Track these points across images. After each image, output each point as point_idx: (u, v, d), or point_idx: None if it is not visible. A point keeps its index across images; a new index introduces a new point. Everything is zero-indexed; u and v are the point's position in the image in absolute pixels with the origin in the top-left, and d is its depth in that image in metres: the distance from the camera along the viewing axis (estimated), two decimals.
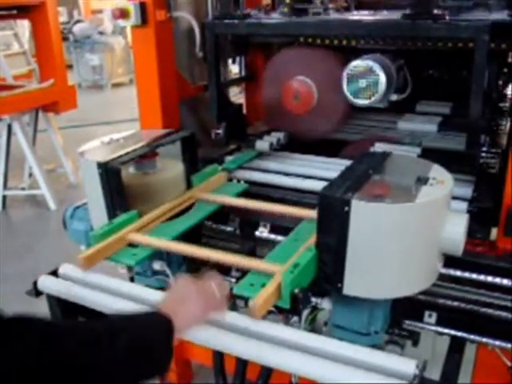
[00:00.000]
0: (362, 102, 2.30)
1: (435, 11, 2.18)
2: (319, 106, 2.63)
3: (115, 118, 9.82)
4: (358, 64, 2.26)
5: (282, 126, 2.88)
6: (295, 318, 1.94)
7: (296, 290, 1.53)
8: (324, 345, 1.48)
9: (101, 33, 13.16)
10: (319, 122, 2.67)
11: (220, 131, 2.71)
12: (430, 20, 2.14)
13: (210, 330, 1.56)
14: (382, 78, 2.23)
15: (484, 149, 2.41)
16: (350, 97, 2.31)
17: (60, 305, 1.88)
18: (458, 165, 2.37)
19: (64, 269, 1.91)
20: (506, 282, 1.93)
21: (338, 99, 2.46)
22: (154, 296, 1.73)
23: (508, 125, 2.87)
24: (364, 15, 2.59)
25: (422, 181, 1.68)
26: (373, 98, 2.27)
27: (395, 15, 2.30)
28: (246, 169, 2.63)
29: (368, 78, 2.25)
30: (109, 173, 1.96)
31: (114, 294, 1.76)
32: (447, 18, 2.15)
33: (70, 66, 12.84)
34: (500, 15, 2.27)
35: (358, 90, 2.28)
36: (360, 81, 2.26)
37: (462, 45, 2.29)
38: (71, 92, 6.39)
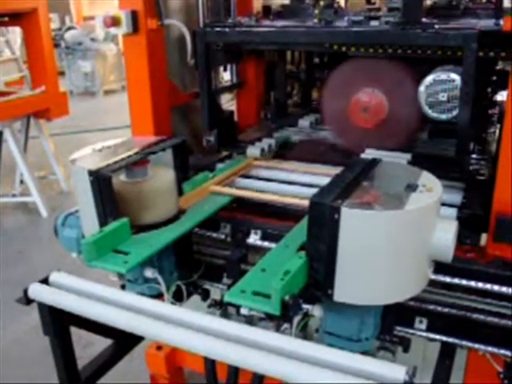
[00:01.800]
0: (442, 116, 2.26)
1: (424, 20, 2.20)
2: (390, 118, 2.52)
3: (107, 124, 9.82)
4: (439, 77, 2.22)
5: (347, 140, 2.75)
6: (286, 325, 1.94)
7: (286, 297, 1.54)
8: (315, 351, 1.48)
9: (93, 39, 13.16)
10: (389, 134, 2.57)
11: (211, 138, 2.72)
12: (418, 29, 2.17)
13: (202, 337, 1.56)
14: None
15: (474, 155, 2.43)
16: (429, 111, 2.28)
17: (51, 313, 1.87)
18: (448, 171, 2.40)
19: (55, 277, 1.90)
20: (495, 288, 1.94)
21: (409, 111, 2.41)
22: (146, 304, 1.73)
23: (497, 132, 2.89)
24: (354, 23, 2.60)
25: (412, 188, 1.70)
26: (454, 112, 2.23)
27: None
28: (237, 176, 2.63)
29: (451, 90, 2.21)
30: (100, 180, 1.96)
31: (106, 302, 1.75)
32: (436, 26, 2.17)
33: (61, 73, 12.84)
34: (488, 23, 2.29)
35: (439, 103, 2.24)
36: (441, 94, 2.23)
37: (451, 53, 2.30)
38: (63, 99, 6.39)
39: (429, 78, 2.22)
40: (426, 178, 1.81)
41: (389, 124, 2.52)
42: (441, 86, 2.21)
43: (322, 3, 2.53)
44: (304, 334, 2.16)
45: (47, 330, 1.91)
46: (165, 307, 1.69)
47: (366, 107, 2.50)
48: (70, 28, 14.11)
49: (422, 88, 2.24)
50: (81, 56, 13.32)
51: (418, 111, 2.30)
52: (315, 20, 2.53)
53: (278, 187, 2.50)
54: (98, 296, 1.77)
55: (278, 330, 1.91)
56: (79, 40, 13.27)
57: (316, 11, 2.53)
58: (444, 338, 2.08)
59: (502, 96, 3.20)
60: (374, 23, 2.42)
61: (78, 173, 2.04)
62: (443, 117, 2.26)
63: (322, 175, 2.44)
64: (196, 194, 2.34)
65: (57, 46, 13.19)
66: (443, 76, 2.20)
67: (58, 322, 1.90)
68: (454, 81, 2.19)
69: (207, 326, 1.59)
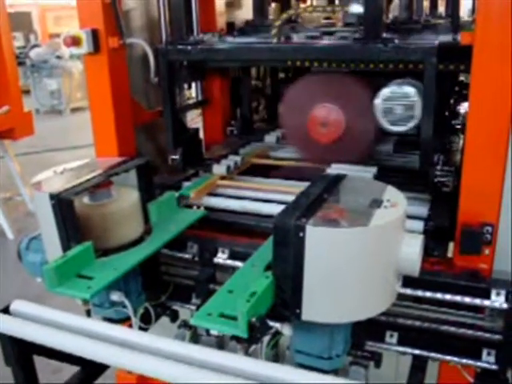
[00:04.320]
0: (398, 128, 2.28)
1: (384, 35, 2.22)
2: (348, 132, 2.53)
3: (75, 143, 9.70)
4: (394, 90, 2.24)
5: (307, 155, 2.77)
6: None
7: (253, 319, 1.52)
8: (283, 373, 1.46)
9: (58, 57, 13.04)
10: (348, 148, 2.58)
11: (176, 157, 2.70)
12: (380, 43, 2.18)
13: (169, 365, 1.52)
14: (419, 103, 2.22)
15: (438, 167, 2.45)
16: (386, 123, 2.29)
17: (12, 343, 1.81)
18: (414, 183, 2.41)
19: (16, 305, 1.84)
20: (464, 299, 1.95)
21: (367, 125, 2.43)
22: (111, 331, 1.69)
23: (461, 142, 2.93)
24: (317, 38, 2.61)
25: (376, 203, 1.70)
26: (410, 124, 2.25)
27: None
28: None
29: (405, 103, 2.23)
30: (62, 204, 1.92)
31: (70, 330, 1.70)
32: (396, 41, 2.19)
33: (27, 92, 12.69)
34: (447, 37, 2.33)
35: (394, 116, 2.26)
36: (396, 107, 2.25)
37: (412, 66, 2.32)
38: (27, 118, 6.29)
39: (384, 91, 2.24)
40: (391, 193, 1.82)
41: (348, 138, 2.54)
42: (396, 99, 2.24)
43: (277, 23, 2.54)
44: (276, 351, 2.15)
45: (9, 360, 1.85)
46: (130, 334, 1.66)
47: (325, 122, 2.52)
48: (34, 46, 13.97)
49: (377, 101, 2.25)
50: (47, 74, 13.17)
51: (375, 124, 2.31)
52: (273, 39, 2.53)
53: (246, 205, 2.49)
54: (61, 324, 1.72)
55: (247, 350, 1.89)
56: (45, 58, 13.13)
57: (273, 31, 2.54)
58: (415, 351, 2.08)
59: (464, 107, 3.26)
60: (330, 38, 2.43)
61: (38, 196, 1.99)
62: (399, 129, 2.29)
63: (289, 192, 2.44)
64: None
65: (22, 64, 13.06)
66: (397, 89, 2.23)
67: (21, 352, 1.84)
68: (407, 93, 2.22)
69: (174, 351, 1.55)
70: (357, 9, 2.47)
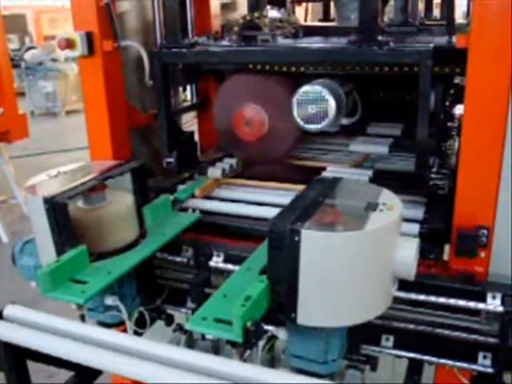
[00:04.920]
0: (312, 127, 2.31)
1: (380, 37, 2.22)
2: (271, 132, 2.62)
3: (70, 145, 9.68)
4: (307, 90, 2.27)
5: (235, 152, 2.86)
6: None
7: (248, 324, 1.51)
8: (278, 379, 1.45)
9: (54, 59, 13.01)
10: (271, 147, 2.65)
11: (171, 160, 2.69)
12: (375, 46, 2.18)
13: (164, 370, 1.51)
14: (332, 102, 2.25)
15: (434, 170, 2.45)
16: (301, 122, 2.32)
17: (6, 348, 1.79)
18: (409, 186, 2.41)
19: (10, 310, 1.83)
20: (459, 302, 1.94)
21: (288, 125, 2.46)
22: (105, 336, 1.67)
23: (457, 145, 2.92)
24: (312, 42, 2.61)
25: (372, 207, 1.69)
26: (323, 123, 2.29)
27: (343, 41, 2.33)
28: (199, 197, 2.59)
29: (317, 103, 2.26)
30: (56, 208, 1.91)
31: (64, 335, 1.69)
32: (391, 44, 2.19)
33: (22, 94, 12.66)
34: (442, 40, 2.33)
35: (308, 115, 2.29)
36: (310, 106, 2.28)
37: (407, 69, 2.32)
38: (22, 121, 6.27)
39: (299, 91, 2.27)
40: (387, 196, 1.81)
41: (271, 136, 2.62)
42: (309, 99, 2.27)
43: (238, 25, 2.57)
44: (271, 355, 2.14)
45: (2, 365, 1.83)
46: (125, 338, 1.64)
47: (249, 121, 2.60)
48: (30, 48, 13.93)
49: (294, 100, 2.28)
50: (42, 76, 13.14)
51: (295, 123, 2.35)
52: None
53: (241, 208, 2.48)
54: (55, 329, 1.70)
55: (243, 354, 1.88)
56: (40, 60, 13.10)
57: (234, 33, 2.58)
58: (411, 355, 2.07)
59: (460, 110, 3.26)
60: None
61: (32, 200, 1.98)
62: (312, 127, 2.32)
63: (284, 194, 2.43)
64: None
65: (17, 66, 13.02)
66: (311, 89, 2.25)
67: (14, 357, 1.82)
68: (319, 93, 2.25)
69: (169, 356, 1.54)
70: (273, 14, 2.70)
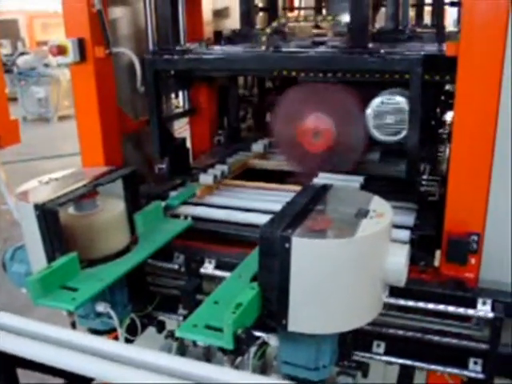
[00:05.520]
0: (389, 138, 2.28)
1: (371, 45, 2.24)
2: (338, 143, 2.53)
3: (62, 151, 9.64)
4: (385, 100, 2.25)
5: (299, 164, 2.75)
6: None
7: (239, 331, 1.51)
8: None
9: (46, 65, 12.98)
10: (339, 158, 2.58)
11: (163, 166, 2.69)
12: (365, 54, 2.20)
13: (154, 377, 1.50)
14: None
15: (425, 176, 2.46)
16: (377, 134, 2.29)
17: None
18: (400, 192, 2.42)
19: None
20: (450, 308, 1.95)
21: (357, 135, 2.42)
22: (97, 343, 1.66)
23: (447, 151, 2.94)
24: (302, 48, 2.62)
25: (362, 214, 1.69)
26: (401, 134, 2.26)
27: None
28: (190, 204, 2.59)
29: (396, 113, 2.23)
30: (46, 215, 1.90)
31: (55, 343, 1.68)
32: (382, 51, 2.20)
33: (14, 99, 12.60)
34: (432, 47, 2.34)
35: (385, 126, 2.26)
36: (388, 117, 2.25)
37: (398, 76, 2.33)
38: (14, 126, 6.20)
39: (375, 101, 2.24)
40: (377, 203, 1.82)
41: (339, 148, 2.53)
42: (387, 109, 2.24)
43: (268, 30, 2.54)
44: (262, 362, 2.13)
45: None
46: (115, 346, 1.63)
47: (317, 132, 2.51)
48: (22, 53, 13.90)
49: (368, 111, 2.26)
50: (34, 82, 13.10)
51: (366, 134, 2.31)
52: (262, 47, 2.53)
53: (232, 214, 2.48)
54: (45, 337, 1.69)
55: (234, 361, 1.88)
56: (32, 65, 13.06)
57: (263, 38, 2.53)
58: (402, 361, 2.07)
59: (450, 116, 3.27)
60: (320, 48, 2.44)
61: (23, 207, 1.97)
62: (391, 139, 2.28)
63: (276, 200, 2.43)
64: None
65: (9, 71, 12.98)
66: (389, 99, 2.23)
67: (4, 365, 1.81)
68: (399, 103, 2.22)
69: (160, 364, 1.53)
70: (347, 18, 2.48)
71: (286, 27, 2.99)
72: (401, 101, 2.21)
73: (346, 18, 2.53)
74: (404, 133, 2.25)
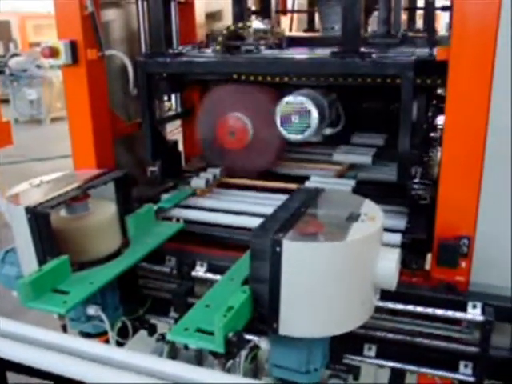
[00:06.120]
0: (295, 137, 2.33)
1: (362, 49, 2.24)
2: (255, 141, 2.62)
3: (55, 153, 9.59)
4: (290, 100, 2.28)
5: (218, 162, 2.86)
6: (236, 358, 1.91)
7: (230, 334, 1.51)
8: None
9: (38, 66, 12.91)
10: (255, 157, 2.66)
11: (155, 169, 2.69)
12: (357, 58, 2.20)
13: (143, 379, 1.50)
14: (314, 113, 2.27)
15: (416, 180, 2.47)
16: (284, 132, 2.33)
17: None
18: (392, 196, 2.43)
19: None
20: (441, 312, 1.96)
21: (272, 135, 2.47)
22: (87, 346, 1.66)
23: (439, 155, 2.95)
24: (295, 52, 2.63)
25: (353, 217, 1.70)
26: (306, 133, 2.30)
27: (327, 52, 2.34)
28: (182, 207, 2.59)
29: (300, 113, 2.28)
30: (38, 218, 1.90)
31: (45, 346, 1.67)
32: (374, 55, 2.21)
33: (6, 101, 12.55)
34: (424, 52, 2.36)
35: (291, 125, 2.30)
36: (293, 116, 2.29)
37: (390, 80, 2.34)
38: (6, 128, 6.18)
39: (282, 102, 2.30)
40: (368, 207, 1.83)
41: (255, 146, 2.63)
42: (292, 109, 2.29)
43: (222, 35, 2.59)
44: (254, 365, 2.14)
45: None
46: (106, 349, 1.62)
47: (233, 131, 2.61)
48: (14, 55, 13.82)
49: (277, 109, 2.30)
50: (26, 83, 13.03)
51: (278, 133, 2.37)
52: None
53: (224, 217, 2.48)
54: (35, 340, 1.69)
55: (225, 365, 1.88)
56: (24, 67, 12.99)
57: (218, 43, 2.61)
58: (393, 364, 2.08)
59: (442, 120, 3.29)
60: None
61: (14, 210, 1.97)
62: (295, 137, 2.33)
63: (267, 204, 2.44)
64: None
65: (1, 73, 12.93)
66: (294, 100, 2.28)
67: None
68: (302, 103, 2.27)
69: (151, 367, 1.53)
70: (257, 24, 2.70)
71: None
72: (303, 101, 2.28)
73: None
74: (308, 132, 2.30)
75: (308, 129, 2.28)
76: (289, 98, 2.28)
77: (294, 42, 2.98)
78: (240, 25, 2.73)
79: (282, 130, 2.33)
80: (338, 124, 2.75)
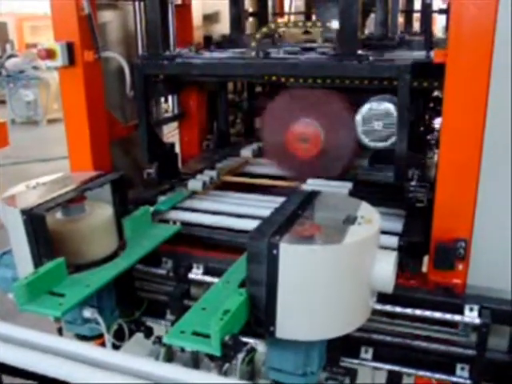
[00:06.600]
0: (378, 144, 2.29)
1: (359, 51, 2.24)
2: (327, 148, 2.53)
3: (51, 154, 9.57)
4: (373, 106, 2.25)
5: (287, 170, 2.74)
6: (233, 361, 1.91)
7: (226, 337, 1.50)
8: None
9: (35, 67, 12.89)
10: (328, 164, 2.57)
11: (152, 171, 2.68)
12: (354, 60, 2.20)
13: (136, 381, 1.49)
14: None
15: (413, 182, 2.47)
16: (365, 140, 2.29)
17: None
18: (389, 199, 2.42)
19: None
20: (438, 315, 1.96)
21: (347, 141, 2.42)
22: (83, 349, 1.65)
23: (436, 157, 2.95)
24: (291, 54, 2.62)
25: (350, 220, 1.70)
26: (389, 141, 2.26)
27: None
28: (179, 209, 2.59)
29: (385, 120, 2.24)
30: (33, 220, 1.89)
31: (40, 349, 1.66)
32: (371, 58, 2.21)
33: (2, 102, 12.52)
34: (421, 54, 2.36)
35: (374, 132, 2.27)
36: (376, 123, 2.26)
37: (387, 82, 2.34)
38: (2, 129, 6.19)
39: (364, 108, 2.25)
40: (365, 209, 1.82)
41: (328, 153, 2.53)
42: (375, 115, 2.25)
43: (258, 35, 2.54)
44: (251, 368, 2.13)
45: None
46: (102, 352, 1.61)
47: (305, 138, 2.50)
48: (11, 56, 13.79)
49: (358, 117, 2.27)
50: (23, 84, 13.00)
51: (355, 140, 2.32)
52: (252, 53, 2.53)
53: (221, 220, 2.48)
54: (31, 343, 1.68)
55: (222, 367, 1.88)
56: (21, 68, 12.97)
57: (252, 44, 2.53)
58: (390, 367, 2.08)
59: (439, 122, 3.29)
60: (309, 54, 2.44)
61: (9, 212, 1.96)
62: (380, 145, 2.29)
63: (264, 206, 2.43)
64: None
65: None
66: (377, 105, 2.24)
67: None
68: (387, 110, 2.23)
69: (148, 371, 1.52)
70: (337, 24, 2.49)
71: (275, 33, 2.99)
72: (389, 107, 2.22)
73: (335, 24, 2.53)
74: (393, 139, 2.25)
75: (392, 136, 2.24)
76: (372, 104, 2.25)
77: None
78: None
79: (362, 136, 2.29)
80: None
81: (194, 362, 2.35)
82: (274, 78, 2.50)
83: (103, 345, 2.15)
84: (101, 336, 2.15)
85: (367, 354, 2.08)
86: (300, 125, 2.52)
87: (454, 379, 1.99)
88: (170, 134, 4.07)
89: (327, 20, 2.53)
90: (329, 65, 2.28)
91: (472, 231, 1.98)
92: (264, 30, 2.65)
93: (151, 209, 2.44)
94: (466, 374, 1.98)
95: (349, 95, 2.48)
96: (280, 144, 2.59)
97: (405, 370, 2.07)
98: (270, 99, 2.70)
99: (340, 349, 2.01)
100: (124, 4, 2.93)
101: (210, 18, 3.57)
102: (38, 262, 1.93)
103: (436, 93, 3.28)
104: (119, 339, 2.24)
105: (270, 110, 2.70)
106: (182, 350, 2.28)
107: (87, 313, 2.06)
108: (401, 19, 3.71)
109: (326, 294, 1.60)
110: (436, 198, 2.03)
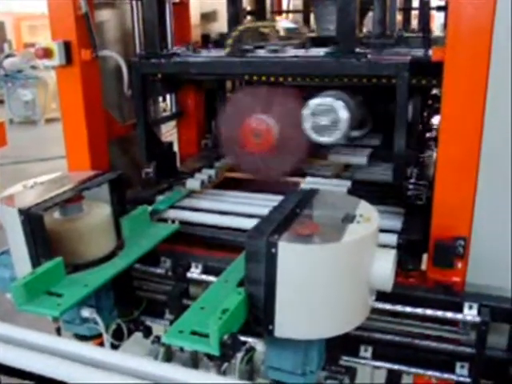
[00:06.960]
0: (323, 139, 2.29)
1: (357, 49, 2.24)
2: (280, 144, 2.53)
3: (50, 154, 9.56)
4: (318, 102, 2.25)
5: (241, 166, 2.76)
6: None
7: (225, 337, 1.50)
8: None
9: (33, 67, 12.87)
10: (280, 160, 2.57)
11: (150, 170, 2.67)
12: (353, 58, 2.20)
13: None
14: (344, 114, 2.24)
15: (412, 180, 2.46)
16: (313, 135, 2.29)
17: None
18: (388, 197, 2.42)
19: None
20: (437, 313, 1.96)
21: (298, 137, 2.41)
22: (82, 349, 1.64)
23: (435, 156, 2.95)
24: (290, 53, 2.62)
25: (349, 219, 1.69)
26: (334, 136, 2.26)
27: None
28: (177, 208, 2.58)
29: (329, 115, 2.24)
30: (31, 220, 1.88)
31: (39, 349, 1.66)
32: (369, 56, 2.21)
33: (0, 102, 12.50)
34: (419, 52, 2.35)
35: (320, 127, 2.27)
36: (321, 118, 2.26)
37: (385, 80, 2.34)
38: (0, 129, 6.18)
39: (311, 103, 2.26)
40: (364, 208, 1.82)
41: (280, 149, 2.53)
42: (321, 111, 2.26)
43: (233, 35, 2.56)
44: (250, 367, 2.12)
45: None
46: (101, 352, 1.61)
47: (258, 133, 2.51)
48: (9, 55, 13.76)
49: (305, 112, 2.27)
50: (21, 84, 12.98)
51: (304, 135, 2.33)
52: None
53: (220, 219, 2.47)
54: (29, 343, 1.67)
55: (220, 367, 1.87)
56: (19, 68, 12.94)
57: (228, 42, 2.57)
58: (389, 365, 2.08)
59: (438, 120, 3.29)
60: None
61: (7, 212, 1.95)
62: (324, 140, 2.30)
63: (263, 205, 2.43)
64: None
65: None
66: (322, 101, 2.25)
67: None
68: (331, 106, 2.24)
69: (146, 371, 1.52)
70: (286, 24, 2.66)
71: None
72: (332, 103, 2.24)
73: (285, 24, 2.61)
74: (338, 134, 2.26)
75: (337, 131, 2.25)
76: (317, 100, 2.25)
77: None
78: (264, 23, 2.70)
79: (309, 132, 2.30)
80: (365, 126, 2.72)
81: (193, 361, 2.34)
82: (272, 76, 2.49)
83: (102, 344, 2.14)
84: (99, 336, 2.14)
85: (367, 352, 2.08)
86: (253, 120, 2.52)
87: (454, 377, 1.99)
88: (169, 132, 4.07)
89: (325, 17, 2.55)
90: (327, 63, 2.27)
91: (471, 229, 1.97)
92: (240, 28, 2.67)
93: (149, 208, 2.44)
94: (465, 372, 1.98)
95: (306, 92, 2.49)
96: (234, 139, 2.60)
97: (404, 368, 2.06)
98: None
99: (339, 347, 2.00)
100: (121, 3, 2.92)
101: (207, 17, 3.57)
102: (35, 261, 1.92)
103: (434, 91, 3.28)
104: (118, 339, 2.24)
105: (227, 107, 2.73)
106: (181, 349, 2.28)
107: (85, 312, 2.06)
108: (399, 17, 3.70)
109: (325, 293, 1.59)
110: (435, 196, 2.03)
